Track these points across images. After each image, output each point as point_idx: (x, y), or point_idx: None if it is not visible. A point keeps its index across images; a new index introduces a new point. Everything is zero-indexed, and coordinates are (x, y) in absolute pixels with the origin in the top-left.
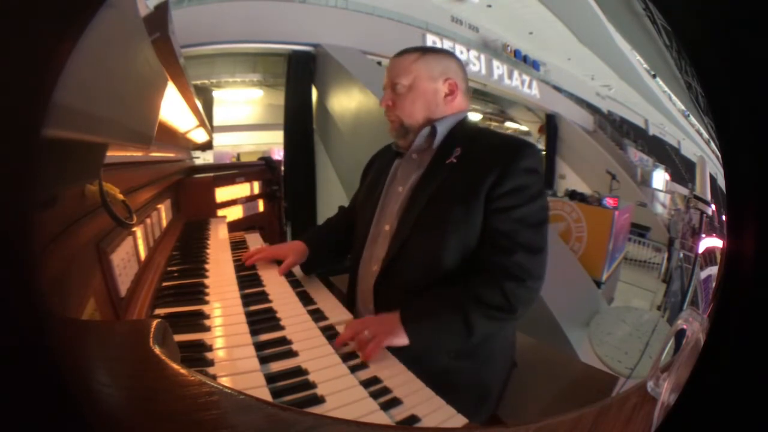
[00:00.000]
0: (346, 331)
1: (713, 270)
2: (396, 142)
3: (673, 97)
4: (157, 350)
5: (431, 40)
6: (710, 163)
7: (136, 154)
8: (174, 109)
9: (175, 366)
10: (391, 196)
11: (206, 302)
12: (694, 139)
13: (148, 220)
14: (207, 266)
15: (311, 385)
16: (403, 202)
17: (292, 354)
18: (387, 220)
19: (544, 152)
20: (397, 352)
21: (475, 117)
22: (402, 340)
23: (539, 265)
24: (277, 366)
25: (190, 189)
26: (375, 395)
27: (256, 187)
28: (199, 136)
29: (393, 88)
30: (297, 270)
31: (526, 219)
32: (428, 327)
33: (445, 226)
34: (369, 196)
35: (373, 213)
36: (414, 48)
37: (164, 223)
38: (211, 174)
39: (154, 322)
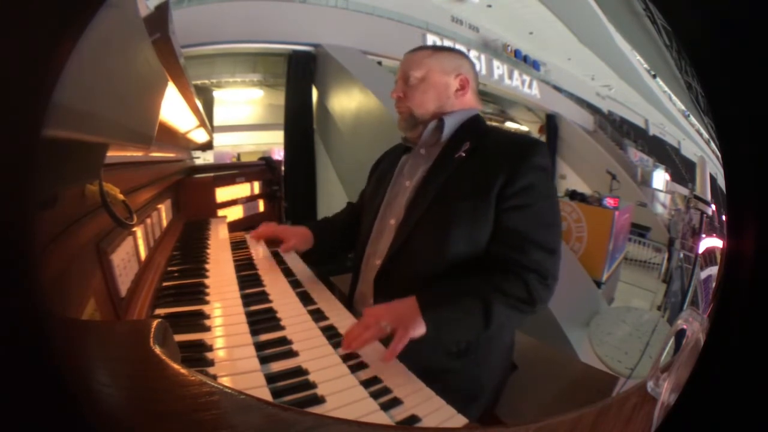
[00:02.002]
0: (362, 321)
1: (713, 270)
2: (404, 136)
3: (673, 97)
4: (157, 350)
5: (431, 40)
6: (710, 163)
7: (137, 154)
8: (174, 109)
9: (176, 366)
10: (398, 190)
11: (206, 302)
12: (694, 139)
13: (149, 220)
14: (207, 266)
15: (311, 385)
16: (409, 196)
17: (293, 354)
18: (393, 215)
19: None
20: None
21: None
22: (421, 330)
23: (554, 266)
24: (277, 366)
25: (190, 189)
26: (375, 395)
27: (257, 187)
28: (200, 136)
29: (405, 80)
30: (298, 269)
31: (539, 217)
32: (447, 314)
33: (451, 222)
34: (376, 191)
35: (379, 208)
36: (429, 45)
37: (164, 223)
38: (212, 174)
39: (155, 322)
